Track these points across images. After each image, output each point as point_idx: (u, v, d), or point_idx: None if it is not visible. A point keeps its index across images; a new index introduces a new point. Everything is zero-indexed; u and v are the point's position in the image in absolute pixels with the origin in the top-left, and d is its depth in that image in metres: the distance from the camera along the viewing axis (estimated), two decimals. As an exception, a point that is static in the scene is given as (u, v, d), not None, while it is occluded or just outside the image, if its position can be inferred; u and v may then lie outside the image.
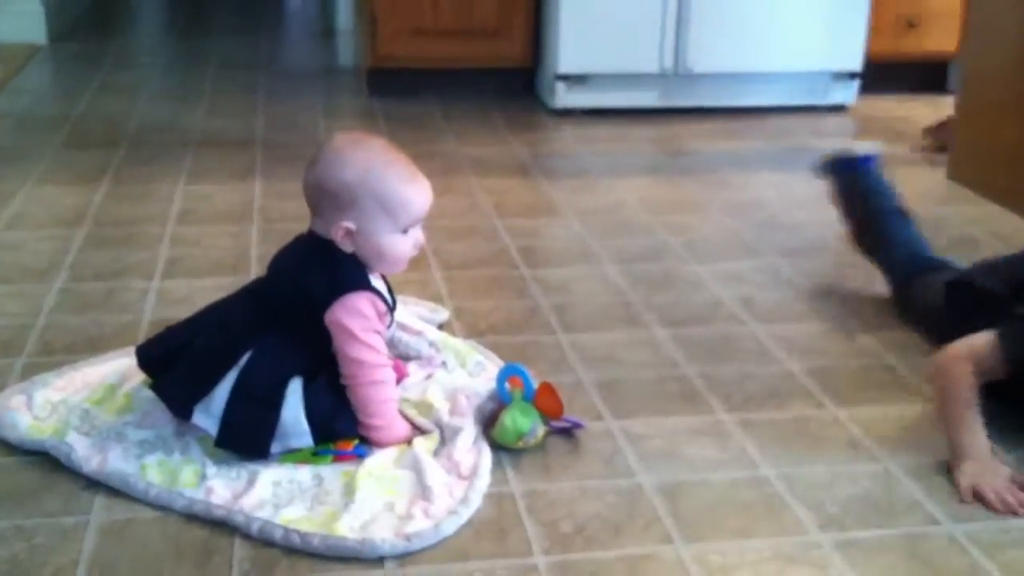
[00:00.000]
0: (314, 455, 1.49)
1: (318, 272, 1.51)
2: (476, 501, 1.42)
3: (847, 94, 3.67)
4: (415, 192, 1.52)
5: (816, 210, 2.67)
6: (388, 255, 1.53)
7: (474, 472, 1.47)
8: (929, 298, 1.92)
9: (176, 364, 1.51)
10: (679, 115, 3.54)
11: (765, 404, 1.71)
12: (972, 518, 1.42)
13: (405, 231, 1.53)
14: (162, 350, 1.56)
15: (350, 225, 1.49)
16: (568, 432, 1.60)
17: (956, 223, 2.60)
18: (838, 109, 3.67)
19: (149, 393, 1.55)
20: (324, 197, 1.51)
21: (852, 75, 3.64)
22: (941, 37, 3.75)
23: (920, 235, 2.11)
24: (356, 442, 1.52)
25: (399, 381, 1.63)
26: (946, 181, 2.92)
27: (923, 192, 2.82)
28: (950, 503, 1.45)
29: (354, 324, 1.49)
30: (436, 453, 1.51)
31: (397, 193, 1.50)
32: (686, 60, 3.49)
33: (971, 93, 2.90)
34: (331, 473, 1.47)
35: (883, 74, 3.79)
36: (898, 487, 1.49)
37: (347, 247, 1.51)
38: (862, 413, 1.68)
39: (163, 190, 2.67)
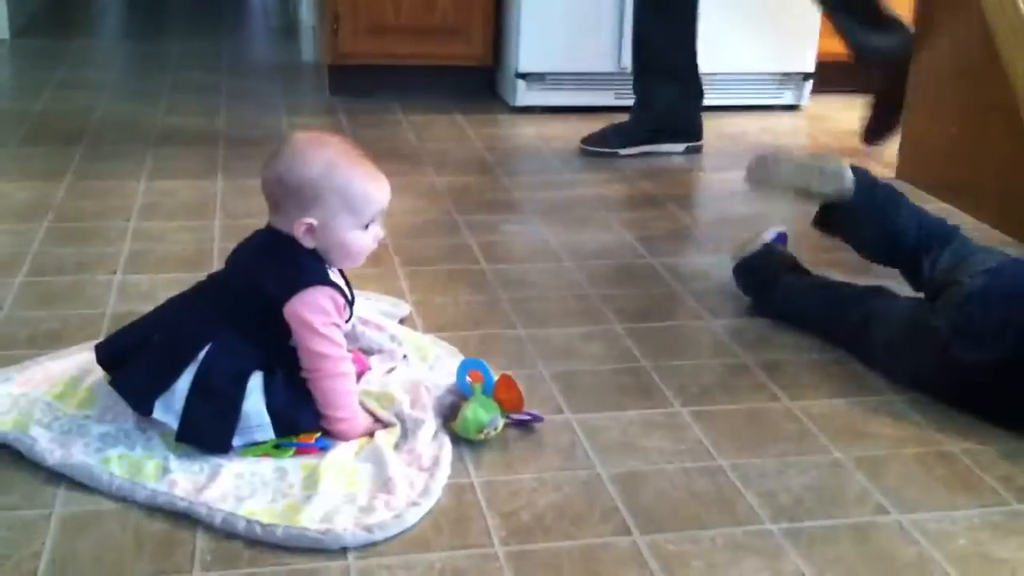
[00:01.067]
0: (276, 448, 1.51)
1: (278, 267, 1.53)
2: (437, 492, 1.44)
3: (799, 94, 3.73)
4: (376, 188, 1.55)
5: (766, 207, 2.72)
6: (350, 249, 1.55)
7: (435, 464, 1.49)
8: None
9: (135, 360, 1.52)
10: (637, 114, 3.58)
11: (720, 396, 1.74)
12: (920, 508, 1.46)
13: (366, 226, 1.55)
14: (121, 346, 1.56)
15: (312, 221, 1.51)
16: (527, 425, 1.62)
17: (906, 221, 2.65)
18: (791, 109, 3.73)
19: (111, 387, 1.55)
20: (286, 193, 1.52)
21: (804, 76, 3.70)
22: (893, 39, 3.81)
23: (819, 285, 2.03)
24: (318, 435, 1.53)
25: (361, 375, 1.65)
26: (896, 180, 2.98)
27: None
28: (900, 493, 1.49)
29: (314, 318, 1.50)
30: (397, 446, 1.53)
31: (359, 189, 1.52)
32: (644, 59, 3.52)
33: (918, 94, 2.96)
34: (293, 466, 1.48)
35: (835, 75, 3.85)
36: (848, 477, 1.53)
37: (308, 243, 1.53)
38: (814, 405, 1.72)
39: (125, 186, 2.67)
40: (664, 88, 3.05)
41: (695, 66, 3.08)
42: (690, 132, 3.14)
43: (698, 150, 3.14)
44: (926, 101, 2.91)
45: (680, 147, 3.12)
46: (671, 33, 3.01)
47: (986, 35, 2.41)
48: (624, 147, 3.05)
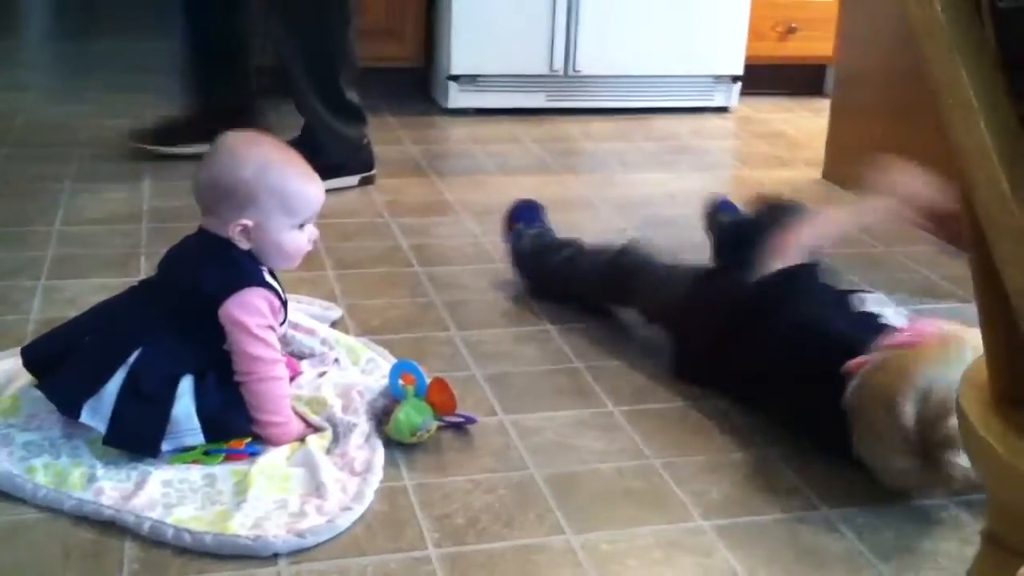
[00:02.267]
0: (205, 455, 1.49)
1: (212, 269, 1.51)
2: (369, 496, 1.43)
3: (729, 97, 3.77)
4: (311, 187, 1.55)
5: (697, 207, 2.74)
6: (286, 250, 1.54)
7: (367, 468, 1.48)
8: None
9: (64, 363, 1.49)
10: (568, 115, 3.60)
11: (652, 396, 1.76)
12: (847, 503, 1.49)
13: (301, 226, 1.55)
14: (49, 349, 1.54)
15: (247, 222, 1.50)
16: (461, 427, 1.62)
17: (833, 221, 2.69)
18: (720, 111, 3.77)
19: (36, 394, 1.52)
20: (220, 195, 1.51)
21: (734, 78, 3.75)
22: (819, 42, 3.87)
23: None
24: (248, 440, 1.52)
25: (292, 379, 1.64)
26: (820, 180, 3.03)
27: (799, 191, 2.92)
28: (827, 488, 1.52)
29: (249, 320, 1.49)
30: (329, 450, 1.52)
31: (295, 188, 1.52)
32: (575, 62, 3.55)
33: (843, 95, 3.01)
34: (223, 472, 1.46)
35: (763, 77, 3.91)
36: (778, 474, 1.55)
37: (243, 244, 1.52)
38: (744, 404, 1.74)
39: (51, 189, 2.62)
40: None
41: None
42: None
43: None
44: (850, 102, 2.96)
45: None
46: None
47: (908, 35, 2.46)
48: (185, 144, 2.80)
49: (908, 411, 1.39)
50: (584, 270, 2.03)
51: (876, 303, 1.72)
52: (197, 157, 1.53)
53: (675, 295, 1.84)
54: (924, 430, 1.38)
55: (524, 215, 2.23)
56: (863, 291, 1.77)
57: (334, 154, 2.66)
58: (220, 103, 2.80)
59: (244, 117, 2.81)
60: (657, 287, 1.89)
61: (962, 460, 1.36)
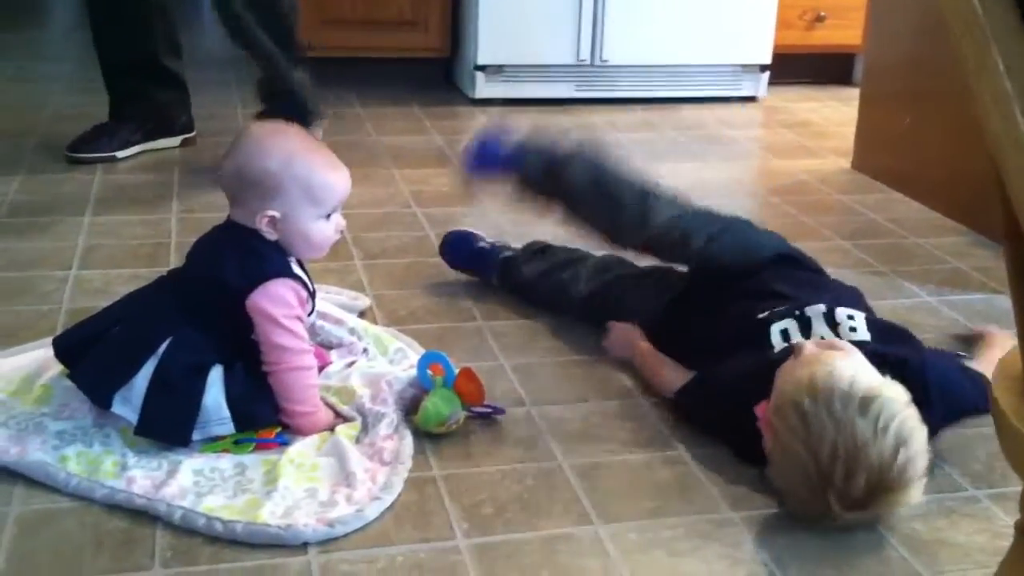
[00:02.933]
0: (236, 444, 1.50)
1: (239, 259, 1.51)
2: (398, 486, 1.43)
3: (757, 86, 3.75)
4: (337, 176, 1.55)
5: (725, 198, 2.73)
6: (313, 240, 1.55)
7: (396, 458, 1.49)
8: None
9: (94, 353, 1.50)
10: (595, 105, 3.60)
11: (679, 387, 1.75)
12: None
13: (328, 216, 1.55)
14: (79, 340, 1.55)
15: (274, 213, 1.50)
16: (489, 417, 1.62)
17: (859, 210, 2.68)
18: (748, 100, 3.75)
19: (67, 383, 1.53)
20: (246, 186, 1.51)
21: (761, 67, 3.73)
22: (847, 31, 3.85)
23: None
24: (278, 430, 1.53)
25: (321, 369, 1.64)
26: (848, 169, 3.01)
27: (825, 180, 2.91)
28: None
29: (276, 311, 1.49)
30: (358, 440, 1.53)
31: (320, 178, 1.52)
32: (602, 52, 3.54)
33: (872, 84, 2.99)
34: (253, 461, 1.47)
35: (792, 66, 3.89)
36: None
37: (270, 235, 1.52)
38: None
39: (79, 179, 2.63)
40: (144, 84, 2.86)
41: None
42: (187, 125, 2.97)
43: (193, 142, 2.97)
44: (879, 91, 2.94)
45: (176, 140, 2.94)
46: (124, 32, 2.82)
47: (939, 23, 2.44)
48: (120, 149, 2.81)
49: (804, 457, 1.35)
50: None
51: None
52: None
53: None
54: (833, 484, 1.34)
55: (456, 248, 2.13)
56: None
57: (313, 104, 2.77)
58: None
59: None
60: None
61: (854, 517, 1.35)
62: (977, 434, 1.63)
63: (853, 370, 1.40)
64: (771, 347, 1.59)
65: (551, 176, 1.92)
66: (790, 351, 1.52)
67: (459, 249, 2.12)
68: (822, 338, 1.57)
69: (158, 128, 2.90)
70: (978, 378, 1.59)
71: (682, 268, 1.91)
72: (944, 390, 1.53)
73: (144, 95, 2.85)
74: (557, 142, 1.96)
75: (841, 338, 1.57)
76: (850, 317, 1.61)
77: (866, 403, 1.34)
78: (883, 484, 1.33)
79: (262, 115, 2.73)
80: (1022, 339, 0.94)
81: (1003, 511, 1.45)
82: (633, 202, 1.86)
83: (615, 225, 1.89)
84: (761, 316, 1.64)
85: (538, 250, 2.07)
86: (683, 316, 1.79)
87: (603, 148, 1.98)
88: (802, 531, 1.39)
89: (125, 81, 2.83)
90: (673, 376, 1.68)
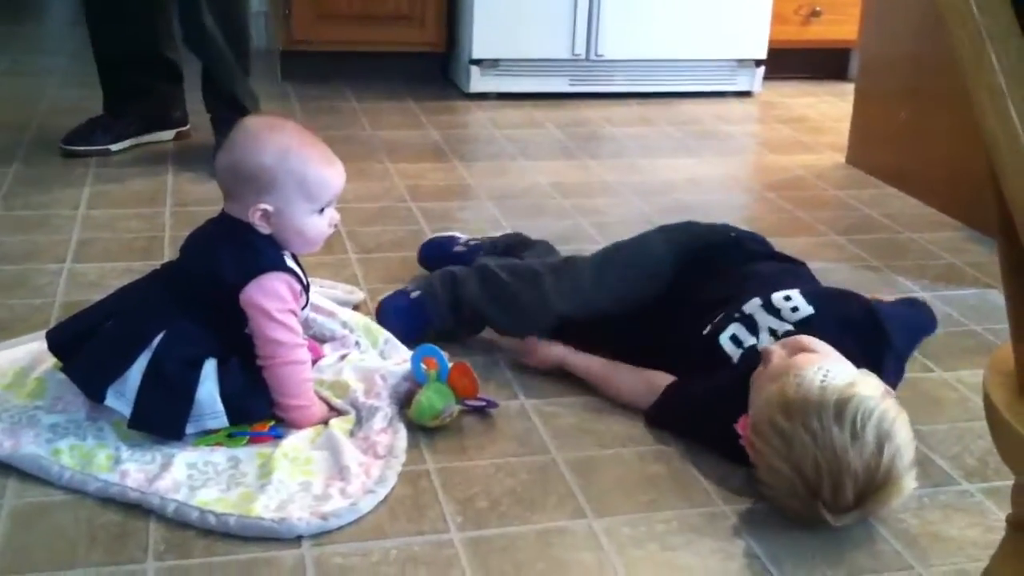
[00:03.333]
0: (229, 437, 1.50)
1: (233, 253, 1.51)
2: (392, 480, 1.44)
3: (752, 81, 3.76)
4: (332, 172, 1.54)
5: (720, 193, 2.74)
6: (307, 235, 1.54)
7: (390, 451, 1.49)
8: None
9: (88, 347, 1.50)
10: (591, 100, 3.60)
11: (674, 382, 1.75)
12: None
13: (321, 211, 1.54)
14: (73, 333, 1.54)
15: (268, 207, 1.50)
16: (483, 411, 1.63)
17: (854, 205, 2.68)
18: (743, 95, 3.75)
19: (61, 377, 1.53)
20: (241, 180, 1.51)
21: (757, 62, 3.73)
22: (843, 26, 3.86)
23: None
24: (272, 423, 1.53)
25: (314, 362, 1.64)
26: (844, 165, 3.02)
27: (820, 175, 2.91)
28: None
29: (270, 304, 1.49)
30: (352, 433, 1.53)
31: (315, 173, 1.51)
32: (597, 46, 3.54)
33: (867, 80, 2.99)
34: (247, 455, 1.47)
35: (787, 61, 3.89)
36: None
37: (264, 228, 1.52)
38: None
39: (74, 173, 2.63)
40: (141, 77, 2.86)
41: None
42: (181, 118, 2.97)
43: (188, 135, 2.96)
44: (875, 86, 2.94)
45: (171, 134, 2.94)
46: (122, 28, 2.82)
47: (935, 19, 2.44)
48: (115, 142, 2.81)
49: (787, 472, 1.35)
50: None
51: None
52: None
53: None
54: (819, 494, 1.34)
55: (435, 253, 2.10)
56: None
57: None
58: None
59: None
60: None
61: (849, 519, 1.35)
62: (970, 429, 1.64)
63: (823, 374, 1.38)
64: (729, 358, 1.59)
65: (455, 308, 1.83)
66: (751, 358, 1.52)
67: (434, 255, 2.09)
68: (773, 332, 1.58)
69: (153, 121, 2.90)
70: (920, 304, 1.81)
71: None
72: (899, 322, 1.65)
73: (140, 88, 2.84)
74: (447, 277, 1.86)
75: (786, 321, 1.58)
76: (787, 298, 1.61)
77: (840, 407, 1.33)
78: (872, 485, 1.33)
79: (215, 120, 2.80)
80: (1015, 334, 0.94)
81: (996, 505, 1.46)
82: (526, 292, 1.80)
83: (520, 318, 1.80)
84: (706, 332, 1.64)
85: (500, 268, 1.87)
86: (647, 338, 1.76)
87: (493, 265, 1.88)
88: (796, 525, 1.39)
89: (121, 74, 2.83)
90: (632, 379, 1.66)
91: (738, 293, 1.67)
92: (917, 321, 1.76)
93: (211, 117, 2.82)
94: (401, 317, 1.83)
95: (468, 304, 1.81)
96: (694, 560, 1.32)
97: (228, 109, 2.71)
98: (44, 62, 3.82)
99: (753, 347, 1.57)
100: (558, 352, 1.74)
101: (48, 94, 3.36)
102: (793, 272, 1.77)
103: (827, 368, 1.40)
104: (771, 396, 1.39)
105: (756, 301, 1.62)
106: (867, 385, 1.38)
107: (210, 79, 2.78)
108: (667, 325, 1.71)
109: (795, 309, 1.60)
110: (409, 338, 1.77)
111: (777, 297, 1.62)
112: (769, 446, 1.36)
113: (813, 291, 1.66)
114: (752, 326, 1.60)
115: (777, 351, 1.49)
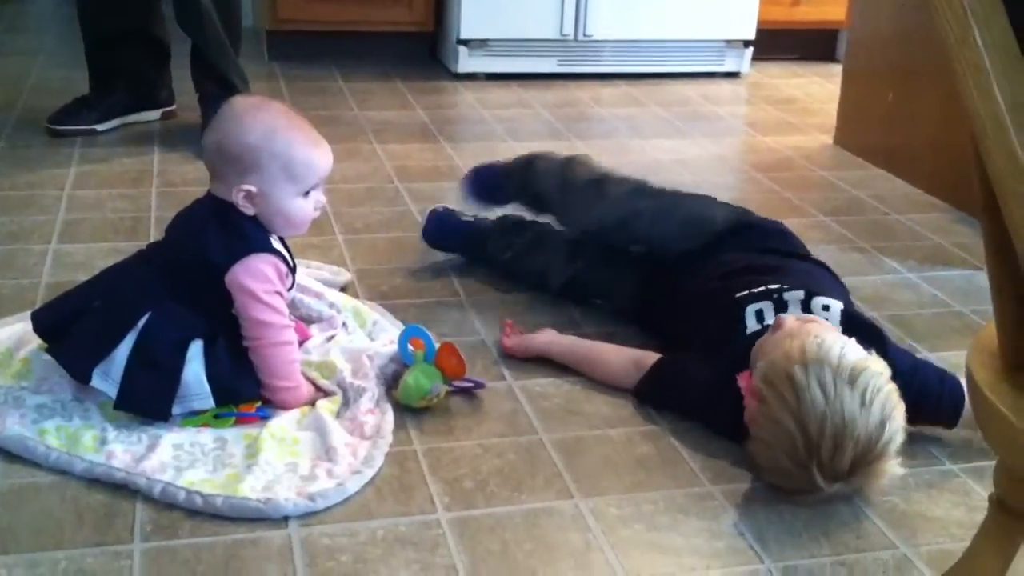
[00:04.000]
0: (216, 418, 1.50)
1: (218, 235, 1.51)
2: (379, 460, 1.44)
3: (740, 62, 3.75)
4: (317, 154, 1.53)
5: (708, 174, 2.74)
6: (291, 217, 1.53)
7: (377, 432, 1.49)
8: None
9: (74, 328, 1.50)
10: (579, 80, 3.59)
11: (661, 363, 1.76)
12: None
13: (307, 193, 1.53)
14: (59, 314, 1.54)
15: (251, 188, 1.49)
16: (470, 392, 1.63)
17: (842, 187, 2.69)
18: (732, 76, 3.75)
19: (47, 357, 1.53)
20: (225, 160, 1.50)
21: (745, 43, 3.72)
22: (831, 7, 3.85)
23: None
24: (259, 404, 1.53)
25: (301, 343, 1.64)
26: (831, 145, 3.02)
27: (808, 156, 2.91)
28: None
29: (256, 286, 1.49)
30: (339, 414, 1.53)
31: (300, 155, 1.50)
32: (586, 26, 3.53)
33: (855, 61, 2.99)
34: (233, 435, 1.47)
35: (775, 42, 3.89)
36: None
37: (248, 210, 1.51)
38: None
39: (60, 153, 2.62)
40: (129, 56, 2.84)
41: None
42: (168, 98, 2.96)
43: (174, 115, 2.96)
44: (862, 67, 2.94)
45: (157, 114, 2.93)
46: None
47: (922, 0, 2.44)
48: (100, 122, 2.80)
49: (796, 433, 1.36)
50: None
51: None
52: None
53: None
54: (817, 454, 1.35)
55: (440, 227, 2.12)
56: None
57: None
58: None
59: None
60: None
61: (835, 489, 1.36)
62: (955, 409, 1.64)
63: (842, 342, 1.41)
64: (744, 328, 1.59)
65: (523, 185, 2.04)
66: (763, 332, 1.53)
67: (440, 228, 2.11)
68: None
69: (139, 101, 2.88)
70: (957, 387, 1.55)
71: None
72: (915, 387, 1.49)
73: (127, 68, 2.82)
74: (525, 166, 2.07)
75: None
76: (825, 307, 1.60)
77: (855, 375, 1.36)
78: (867, 457, 1.35)
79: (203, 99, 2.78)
80: (998, 313, 0.95)
81: (979, 485, 1.47)
82: (585, 187, 1.93)
83: (566, 208, 1.96)
84: (739, 295, 1.65)
85: (510, 227, 2.06)
86: (661, 297, 1.79)
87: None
88: (782, 504, 1.40)
89: (109, 53, 2.80)
90: (619, 359, 1.67)
91: (783, 277, 1.68)
92: (938, 401, 1.56)
93: (199, 97, 2.80)
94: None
95: (535, 184, 1.98)
96: (681, 540, 1.33)
97: (218, 88, 2.70)
98: (29, 42, 3.79)
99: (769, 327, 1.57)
100: (541, 341, 1.74)
101: (34, 74, 3.34)
102: (841, 288, 1.76)
103: (845, 341, 1.43)
104: (791, 350, 1.40)
105: (799, 294, 1.62)
106: (880, 364, 1.40)
107: (200, 58, 2.76)
108: (699, 276, 1.73)
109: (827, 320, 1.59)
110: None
111: (818, 302, 1.61)
112: (778, 399, 1.37)
113: (851, 316, 1.62)
114: (782, 311, 1.60)
115: (790, 319, 1.52)
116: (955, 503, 1.43)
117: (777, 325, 1.51)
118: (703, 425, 1.56)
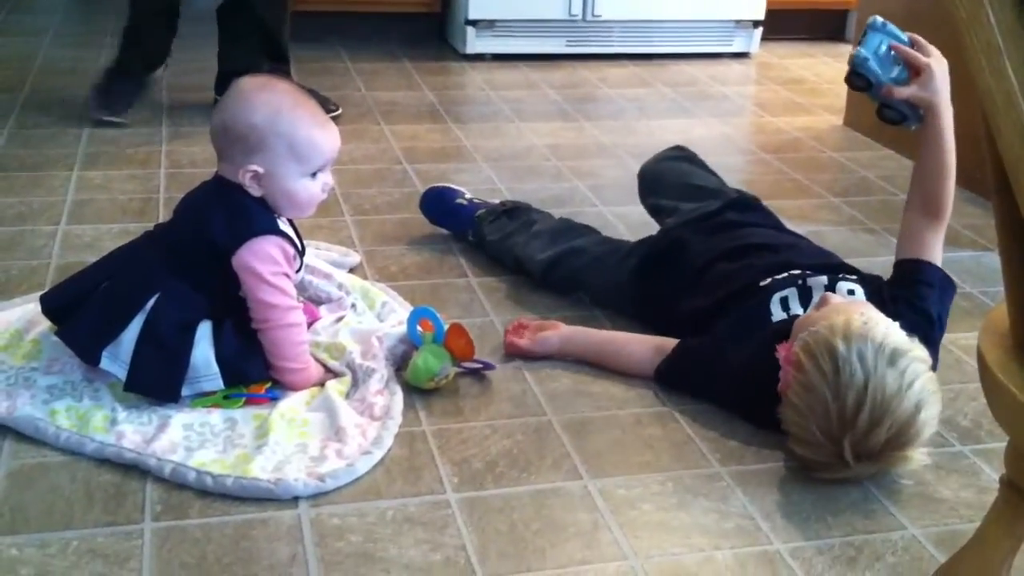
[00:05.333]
0: (226, 399, 1.50)
1: (225, 216, 1.50)
2: (388, 441, 1.44)
3: (749, 42, 3.73)
4: (324, 135, 1.52)
5: (716, 155, 2.72)
6: (297, 199, 1.53)
7: (386, 413, 1.49)
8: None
9: (82, 310, 1.50)
10: (587, 61, 3.58)
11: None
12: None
13: (314, 175, 1.53)
14: (67, 296, 1.54)
15: (258, 168, 1.49)
16: (478, 373, 1.63)
17: (851, 167, 2.68)
18: (741, 56, 3.73)
19: (57, 339, 1.53)
20: (232, 140, 1.50)
21: (755, 23, 3.70)
22: (842, -14, 3.83)
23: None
24: (268, 385, 1.53)
25: (310, 324, 1.64)
26: (840, 126, 3.00)
27: (819, 138, 2.90)
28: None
29: (263, 267, 1.49)
30: (348, 395, 1.53)
31: (306, 136, 1.50)
32: (594, 7, 3.52)
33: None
34: (243, 416, 1.48)
35: (784, 22, 3.87)
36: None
37: (255, 191, 1.51)
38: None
39: (68, 134, 2.62)
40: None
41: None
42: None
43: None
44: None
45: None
46: None
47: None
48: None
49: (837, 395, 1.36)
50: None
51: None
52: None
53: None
54: (853, 433, 1.35)
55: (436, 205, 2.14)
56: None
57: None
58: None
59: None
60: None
61: (859, 470, 1.37)
62: (963, 390, 1.64)
63: (887, 323, 1.41)
64: (769, 316, 1.59)
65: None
66: (786, 327, 1.52)
67: (436, 205, 2.12)
68: None
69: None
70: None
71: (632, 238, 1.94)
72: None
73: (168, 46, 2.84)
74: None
75: None
76: (851, 292, 1.60)
77: (896, 357, 1.36)
78: (899, 439, 1.35)
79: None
80: (1010, 292, 0.94)
81: (989, 467, 1.46)
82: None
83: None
84: (763, 284, 1.64)
85: (504, 212, 2.05)
86: (656, 281, 1.78)
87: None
88: (790, 486, 1.40)
89: (153, 35, 2.79)
90: (641, 349, 1.66)
91: (804, 259, 1.69)
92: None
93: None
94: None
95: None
96: (688, 520, 1.33)
97: (274, 61, 2.75)
98: (36, 22, 3.78)
99: (796, 317, 1.56)
100: (552, 344, 1.70)
101: (41, 55, 3.33)
102: (863, 275, 1.74)
103: (890, 323, 1.42)
104: (836, 323, 1.40)
105: (822, 279, 1.62)
106: (922, 352, 1.40)
107: (251, 35, 2.75)
108: (707, 256, 1.73)
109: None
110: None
111: (843, 286, 1.61)
112: (818, 368, 1.37)
113: (878, 296, 1.62)
114: (806, 298, 1.60)
115: (836, 296, 1.53)
116: (964, 484, 1.43)
117: (824, 301, 1.51)
118: (726, 409, 1.56)
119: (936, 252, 1.66)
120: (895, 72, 1.62)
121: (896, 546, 1.31)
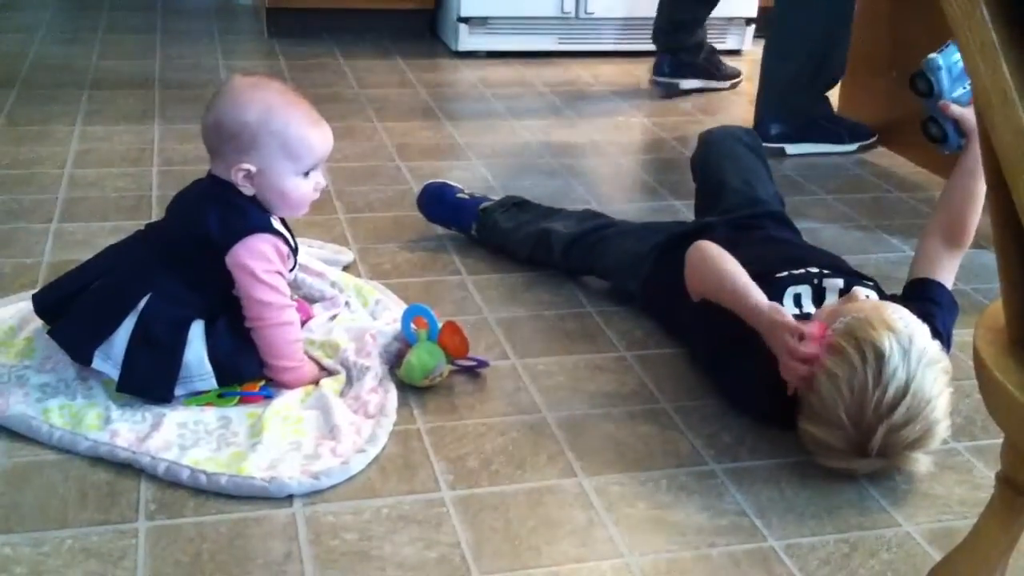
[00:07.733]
0: (220, 397, 1.50)
1: (218, 214, 1.50)
2: (383, 439, 1.44)
3: (742, 39, 3.73)
4: (316, 134, 1.51)
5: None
6: (289, 197, 1.52)
7: (381, 411, 1.49)
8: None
9: (74, 310, 1.49)
10: (579, 58, 3.57)
11: (663, 341, 1.76)
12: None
13: (306, 174, 1.52)
14: (59, 295, 1.53)
15: (250, 167, 1.48)
16: (473, 370, 1.63)
17: (843, 164, 2.68)
18: (733, 53, 3.73)
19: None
20: (224, 139, 1.49)
21: (747, 20, 3.70)
22: (834, -17, 3.82)
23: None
24: (262, 383, 1.53)
25: (304, 322, 1.64)
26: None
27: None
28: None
29: (256, 265, 1.48)
30: (343, 393, 1.53)
31: (298, 134, 1.49)
32: (587, 4, 3.51)
33: (857, 37, 2.97)
34: (237, 414, 1.47)
35: (778, 19, 3.85)
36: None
37: (247, 189, 1.50)
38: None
39: (60, 131, 2.61)
40: None
41: None
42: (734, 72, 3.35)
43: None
44: (864, 44, 2.92)
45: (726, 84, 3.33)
46: None
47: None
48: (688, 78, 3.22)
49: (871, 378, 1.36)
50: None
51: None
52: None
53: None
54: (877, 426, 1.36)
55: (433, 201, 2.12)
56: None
57: None
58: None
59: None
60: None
61: (876, 463, 1.38)
62: (958, 387, 1.64)
63: (924, 328, 1.42)
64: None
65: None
66: (800, 318, 1.51)
67: (437, 201, 2.11)
68: None
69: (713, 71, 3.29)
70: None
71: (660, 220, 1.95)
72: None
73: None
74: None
75: None
76: (867, 297, 1.58)
77: (933, 362, 1.37)
78: (922, 441, 1.37)
79: None
80: (1005, 289, 0.94)
81: (983, 463, 1.47)
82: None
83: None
84: (779, 275, 1.64)
85: (515, 204, 2.06)
86: (674, 259, 1.77)
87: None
88: (784, 483, 1.40)
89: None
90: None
91: (824, 260, 1.69)
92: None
93: None
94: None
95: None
96: (683, 517, 1.33)
97: None
98: (27, 18, 3.77)
99: (807, 315, 1.56)
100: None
101: (32, 51, 3.32)
102: (878, 284, 1.75)
103: (925, 328, 1.43)
104: (880, 316, 1.40)
105: (838, 282, 1.62)
106: (948, 363, 1.42)
107: None
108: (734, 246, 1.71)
109: None
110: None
111: (860, 291, 1.59)
112: (861, 355, 1.36)
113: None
114: (820, 300, 1.60)
115: (863, 291, 1.55)
116: (958, 481, 1.43)
117: (852, 296, 1.52)
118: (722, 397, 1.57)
119: (950, 277, 1.68)
120: (959, 92, 1.64)
121: (890, 543, 1.31)
